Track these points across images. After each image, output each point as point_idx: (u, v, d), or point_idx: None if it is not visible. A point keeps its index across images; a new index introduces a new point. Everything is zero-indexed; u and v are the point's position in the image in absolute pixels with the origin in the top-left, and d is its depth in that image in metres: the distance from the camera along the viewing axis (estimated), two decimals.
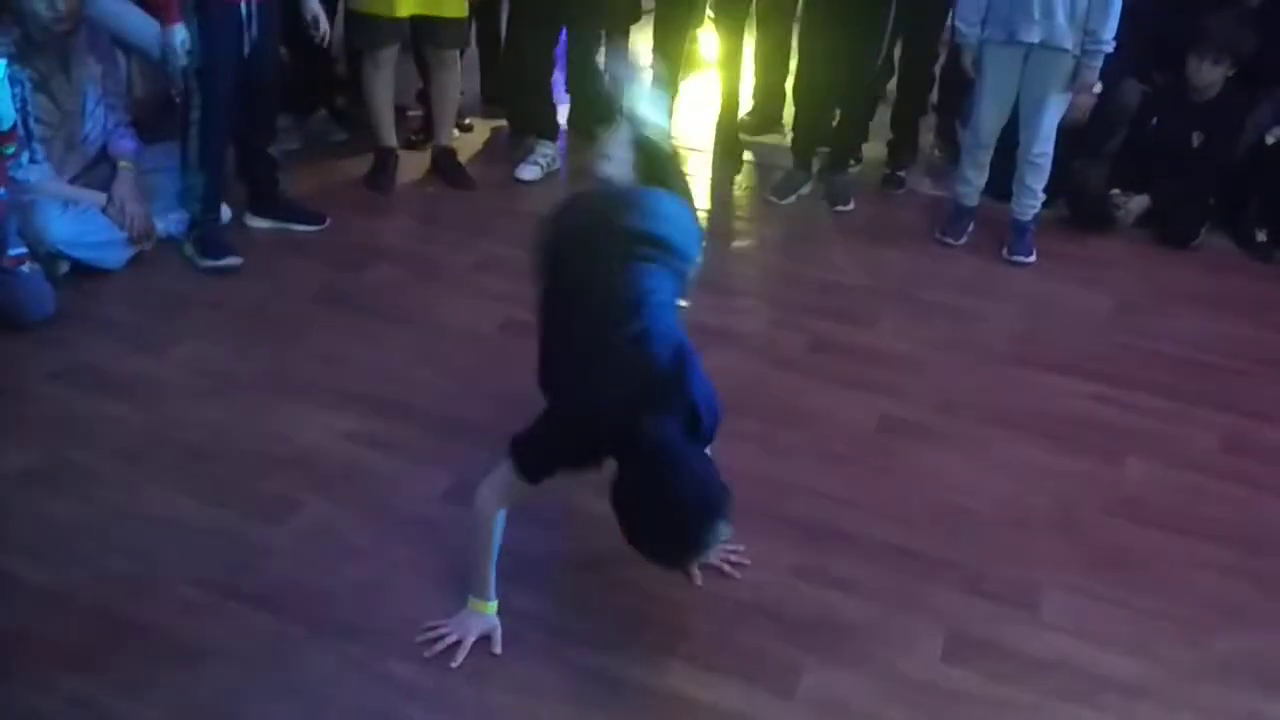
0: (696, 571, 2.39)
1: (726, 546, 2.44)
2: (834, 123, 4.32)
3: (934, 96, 4.67)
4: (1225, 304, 3.72)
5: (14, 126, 3.13)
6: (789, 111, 4.65)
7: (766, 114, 4.87)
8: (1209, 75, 3.96)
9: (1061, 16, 3.56)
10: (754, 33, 4.65)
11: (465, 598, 2.24)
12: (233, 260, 3.49)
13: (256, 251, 3.60)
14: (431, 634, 2.21)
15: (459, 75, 4.20)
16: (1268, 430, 3.05)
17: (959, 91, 4.30)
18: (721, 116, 4.55)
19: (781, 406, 2.99)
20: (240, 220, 3.74)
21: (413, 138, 4.46)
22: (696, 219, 2.54)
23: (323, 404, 2.90)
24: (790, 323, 3.40)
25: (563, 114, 4.63)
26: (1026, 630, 2.33)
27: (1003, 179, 3.97)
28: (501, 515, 2.17)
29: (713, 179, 4.48)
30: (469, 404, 2.86)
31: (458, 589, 2.30)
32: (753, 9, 4.50)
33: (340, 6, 4.22)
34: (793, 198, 4.29)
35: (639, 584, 2.37)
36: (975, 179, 4.00)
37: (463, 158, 4.33)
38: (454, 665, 2.15)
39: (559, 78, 4.58)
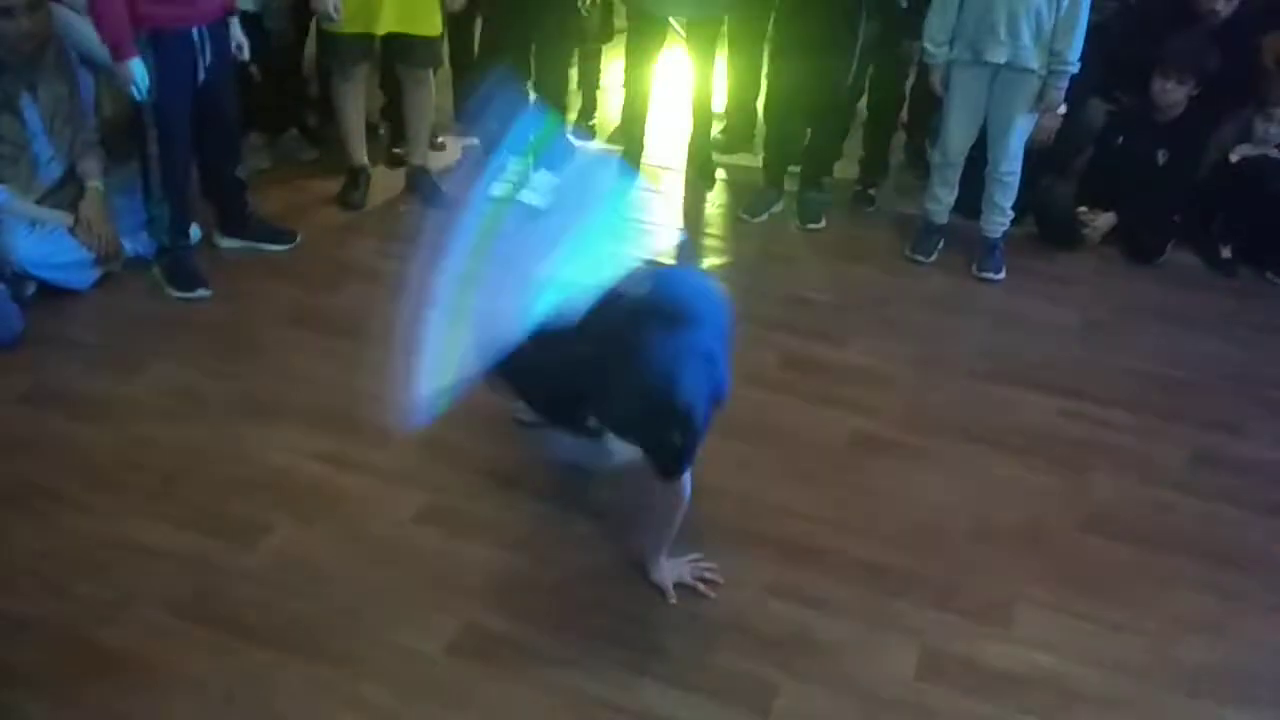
0: (672, 590, 2.40)
1: (701, 564, 2.44)
2: (805, 141, 4.35)
3: (903, 115, 4.71)
4: (1191, 319, 3.76)
5: None
6: (761, 130, 4.68)
7: (738, 133, 4.90)
8: (1173, 94, 4.02)
9: (1027, 37, 3.61)
10: (725, 52, 4.68)
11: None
12: (202, 293, 3.46)
13: (227, 271, 3.58)
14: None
15: (433, 93, 4.19)
16: (1234, 444, 3.09)
17: (928, 110, 4.34)
18: (694, 135, 4.58)
19: (753, 424, 3.00)
20: (210, 240, 3.72)
21: (395, 151, 4.43)
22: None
23: (293, 425, 2.88)
24: (762, 340, 3.41)
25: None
26: (999, 646, 2.34)
27: (972, 197, 4.01)
28: None
29: (685, 197, 4.50)
30: (441, 425, 2.83)
31: (432, 611, 2.30)
32: (724, 28, 4.53)
33: (313, 26, 4.22)
34: (764, 216, 4.31)
35: (612, 604, 2.37)
36: (944, 197, 4.03)
37: (435, 175, 4.33)
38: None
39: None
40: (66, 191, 3.45)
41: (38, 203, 3.39)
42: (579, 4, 4.24)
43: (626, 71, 4.54)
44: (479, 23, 4.50)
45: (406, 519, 2.59)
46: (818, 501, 2.71)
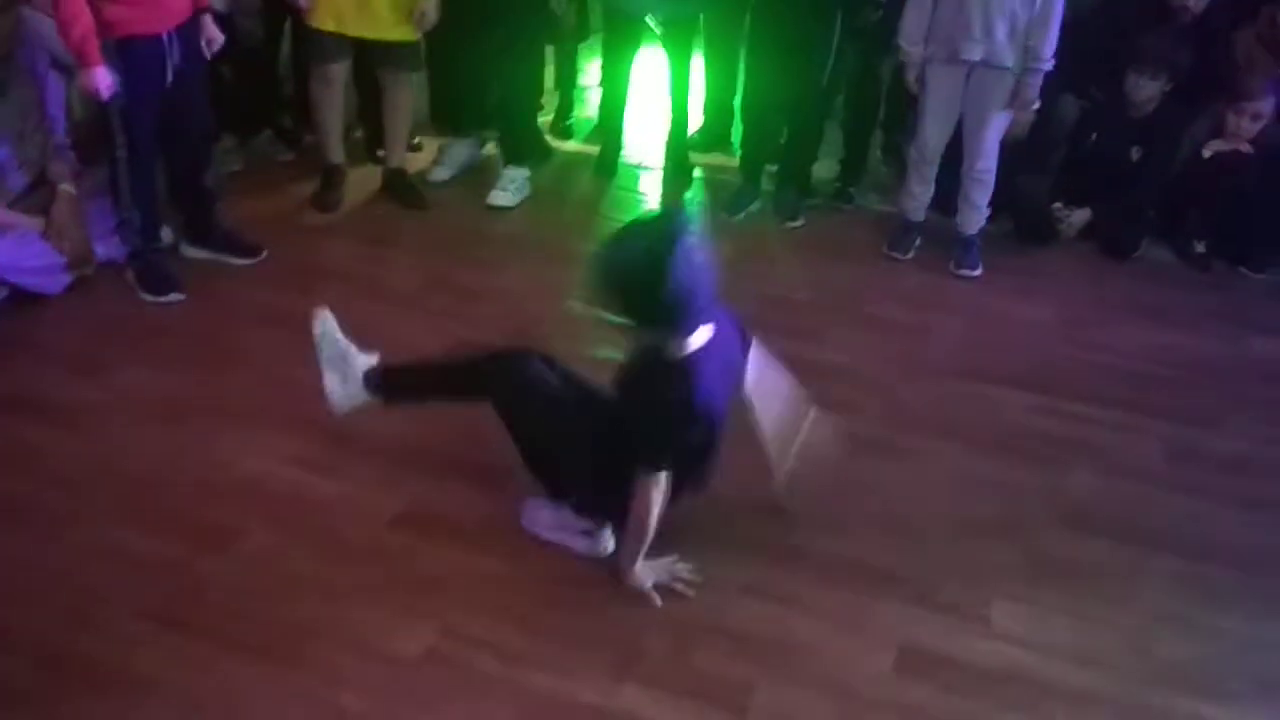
0: (654, 593, 2.39)
1: (678, 565, 2.44)
2: (782, 140, 4.35)
3: (880, 113, 4.71)
4: (1166, 314, 3.78)
5: None
6: (738, 129, 4.68)
7: (716, 132, 4.90)
8: (1146, 91, 4.04)
9: (1002, 35, 3.62)
10: (702, 51, 4.68)
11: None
12: (175, 296, 3.43)
13: (200, 274, 3.56)
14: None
15: (411, 96, 4.17)
16: (1209, 439, 3.10)
17: (904, 108, 4.35)
18: (671, 134, 4.57)
19: (730, 423, 2.99)
20: (177, 248, 3.69)
21: (379, 154, 4.39)
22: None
23: (267, 430, 2.86)
24: None
25: None
26: (978, 642, 2.35)
27: (948, 194, 4.02)
28: None
29: (663, 196, 4.49)
30: (416, 428, 2.83)
31: (408, 617, 2.28)
32: (701, 27, 4.53)
33: (287, 26, 4.19)
34: (742, 214, 4.31)
35: (590, 606, 2.37)
36: (921, 194, 4.05)
37: (412, 177, 4.32)
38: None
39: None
40: (37, 196, 3.42)
41: (8, 207, 3.36)
42: (552, 1, 4.22)
43: (603, 71, 4.54)
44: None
45: (382, 524, 2.57)
46: (794, 500, 2.70)
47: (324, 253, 3.86)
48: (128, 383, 3.04)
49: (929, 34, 3.73)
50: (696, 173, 4.63)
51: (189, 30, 3.31)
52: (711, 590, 2.43)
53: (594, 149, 4.72)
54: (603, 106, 4.66)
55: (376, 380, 2.66)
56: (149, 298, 3.42)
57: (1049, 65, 3.65)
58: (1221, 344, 3.62)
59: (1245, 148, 4.08)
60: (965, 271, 3.95)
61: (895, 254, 4.05)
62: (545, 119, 4.89)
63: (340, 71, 4.03)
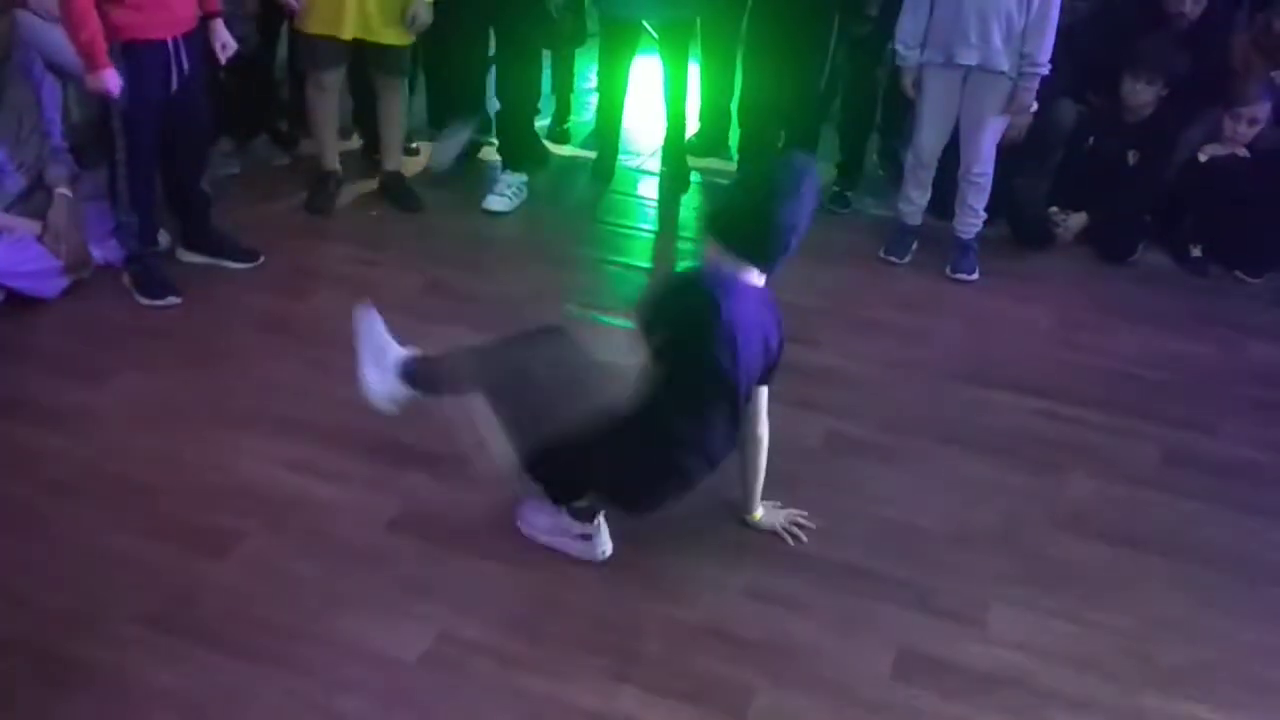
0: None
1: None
2: (779, 144, 4.35)
3: (877, 118, 4.72)
4: (1162, 318, 3.79)
5: None
6: (735, 133, 4.68)
7: (713, 136, 4.90)
8: (1143, 95, 4.05)
9: (998, 40, 3.63)
10: (699, 55, 4.69)
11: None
12: (172, 299, 3.43)
13: (197, 278, 3.55)
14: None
15: (406, 99, 4.17)
16: (1206, 442, 3.11)
17: (901, 112, 4.36)
18: (668, 138, 4.57)
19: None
20: (174, 252, 3.68)
21: (376, 158, 4.34)
22: None
23: (264, 433, 2.85)
24: None
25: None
26: (976, 646, 2.35)
27: (945, 198, 4.03)
28: None
29: (660, 200, 4.49)
30: (414, 431, 2.83)
31: (406, 620, 2.28)
32: (697, 31, 4.53)
33: (284, 29, 4.19)
34: None
35: (588, 610, 2.37)
36: (918, 198, 4.05)
37: (408, 180, 4.32)
38: None
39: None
40: (34, 199, 3.42)
41: (5, 211, 3.36)
42: (549, 5, 4.23)
43: (600, 75, 4.54)
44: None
45: (380, 526, 2.57)
46: (793, 503, 2.70)
47: (321, 257, 3.86)
48: (125, 386, 3.03)
49: (925, 38, 3.74)
50: (694, 177, 4.63)
51: (196, 38, 3.31)
52: (710, 593, 2.43)
53: (591, 153, 4.72)
54: (600, 111, 4.67)
55: (412, 370, 2.61)
56: (145, 301, 3.42)
57: (1045, 70, 3.66)
58: (1218, 348, 3.63)
59: (1242, 152, 4.08)
60: (962, 276, 3.96)
61: (892, 258, 4.05)
62: (542, 123, 4.89)
63: (335, 77, 4.03)
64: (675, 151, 4.59)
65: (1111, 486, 2.89)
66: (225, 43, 3.42)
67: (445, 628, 2.29)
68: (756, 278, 2.43)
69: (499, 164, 4.41)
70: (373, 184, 4.28)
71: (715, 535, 2.59)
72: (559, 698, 2.15)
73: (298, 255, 3.81)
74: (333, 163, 4.18)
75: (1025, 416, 3.16)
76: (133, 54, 3.13)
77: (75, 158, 3.55)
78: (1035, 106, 3.82)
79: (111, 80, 3.08)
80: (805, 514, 2.65)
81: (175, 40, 3.22)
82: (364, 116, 4.41)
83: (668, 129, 4.55)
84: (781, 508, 2.65)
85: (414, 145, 4.62)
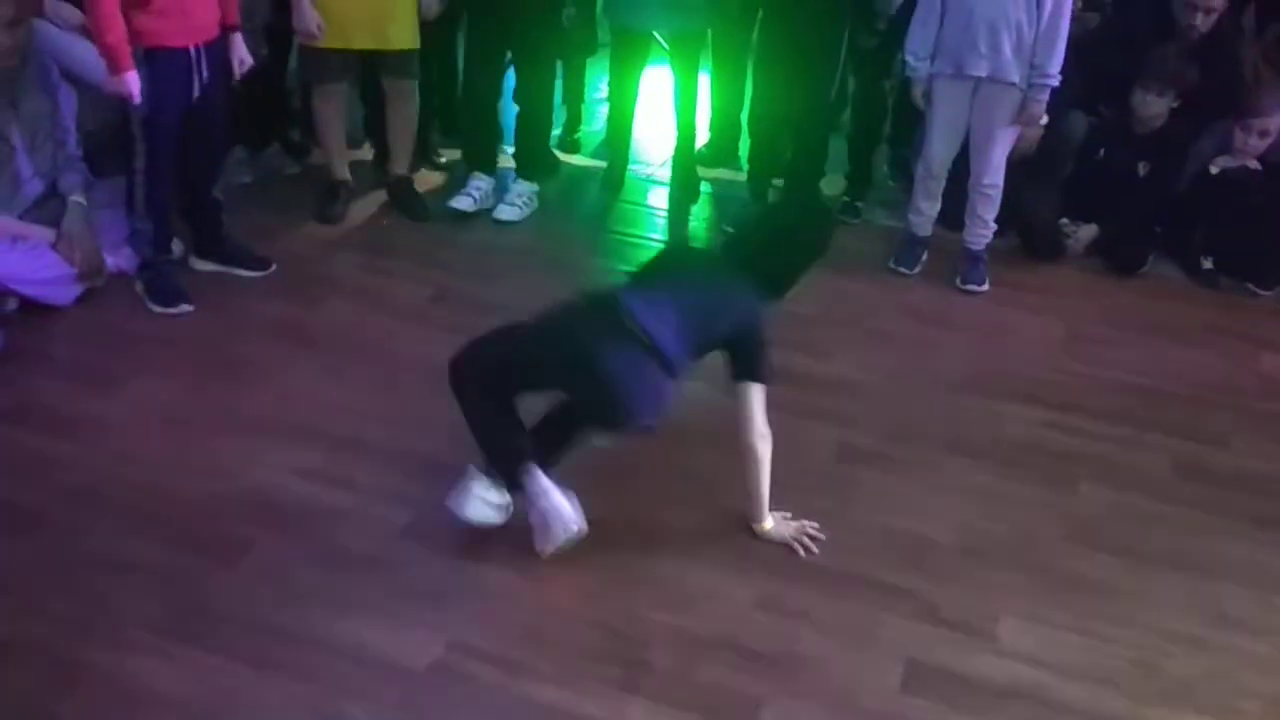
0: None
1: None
2: (789, 155, 4.35)
3: (887, 128, 4.72)
4: (1173, 330, 3.77)
5: None
6: (745, 143, 4.69)
7: (723, 147, 4.91)
8: (1153, 107, 4.04)
9: (1008, 51, 3.63)
10: (710, 66, 4.70)
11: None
12: (185, 308, 3.45)
13: (208, 286, 3.57)
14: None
15: (416, 105, 4.19)
16: (1216, 454, 3.10)
17: (911, 123, 4.36)
18: (678, 148, 4.58)
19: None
20: (186, 261, 3.70)
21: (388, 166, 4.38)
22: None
23: (275, 441, 2.86)
24: None
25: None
26: (985, 658, 2.34)
27: (955, 209, 4.03)
28: None
29: (670, 211, 4.50)
30: (424, 438, 2.83)
31: (414, 629, 2.28)
32: (708, 42, 4.54)
33: (294, 40, 4.21)
34: None
35: (597, 620, 2.37)
36: (928, 209, 4.05)
37: (420, 190, 4.33)
38: None
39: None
40: (49, 207, 3.44)
41: (20, 218, 3.38)
42: (563, 17, 4.24)
43: (611, 85, 4.55)
44: (460, 37, 4.50)
45: (389, 535, 2.57)
46: (803, 514, 2.70)
47: (332, 265, 3.87)
48: (137, 394, 3.05)
49: (935, 50, 3.74)
50: (704, 187, 4.64)
51: (216, 48, 3.34)
52: (718, 604, 2.43)
53: (601, 163, 4.73)
54: (610, 121, 4.67)
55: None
56: (158, 309, 3.44)
57: (1055, 81, 3.65)
58: (1229, 361, 3.61)
59: (1253, 164, 4.07)
60: (972, 287, 3.95)
61: (902, 269, 4.05)
62: (553, 133, 4.90)
63: (343, 88, 4.05)
64: (685, 162, 4.59)
65: (1122, 498, 2.88)
66: (243, 58, 3.45)
67: (454, 637, 2.29)
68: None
69: (510, 172, 4.42)
70: (383, 193, 4.30)
71: (724, 546, 2.59)
72: (567, 708, 2.15)
73: (309, 264, 3.83)
74: (342, 172, 4.20)
75: (1036, 428, 3.16)
76: (154, 61, 3.16)
77: (89, 166, 3.57)
78: (1045, 118, 3.82)
79: (133, 84, 3.10)
80: (816, 525, 2.65)
81: (196, 48, 3.25)
82: (375, 125, 4.42)
83: (678, 139, 4.56)
84: (792, 519, 2.65)
85: (443, 159, 4.63)
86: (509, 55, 4.29)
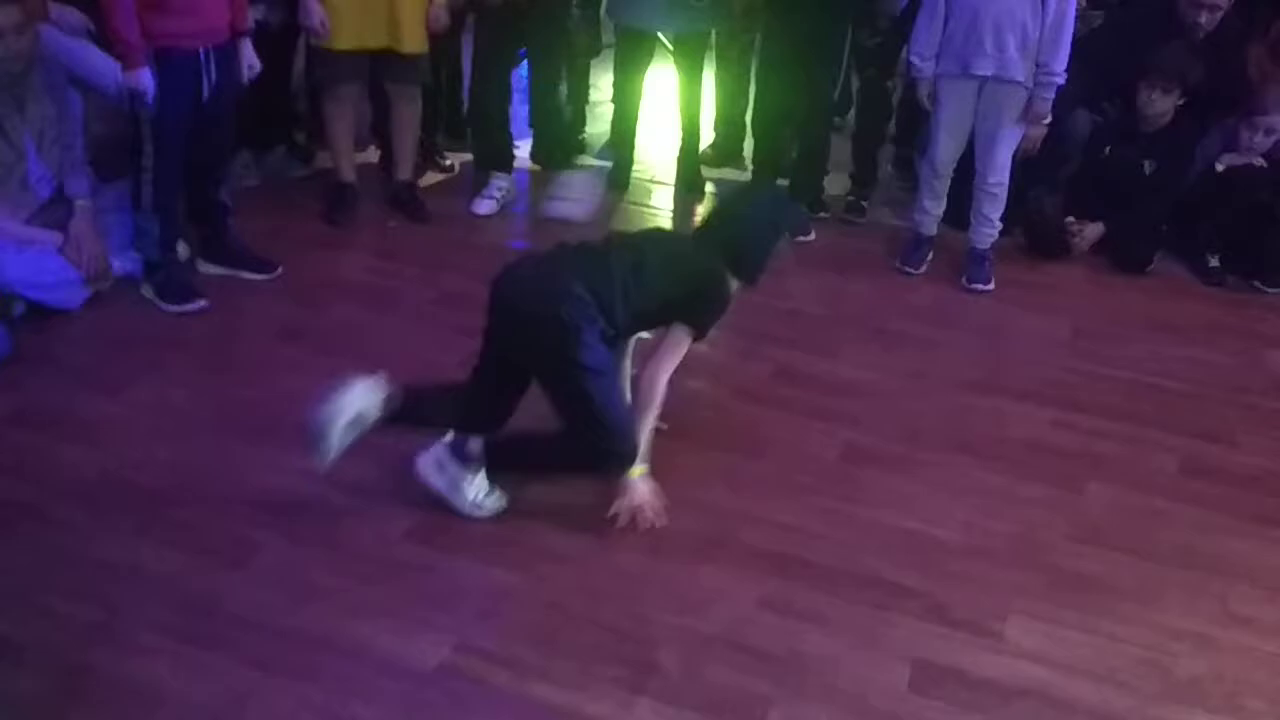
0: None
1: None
2: (793, 155, 4.36)
3: (892, 127, 4.72)
4: (1179, 328, 3.77)
5: None
6: (749, 144, 4.69)
7: (727, 147, 4.91)
8: (1159, 105, 4.04)
9: (1013, 49, 3.63)
10: (713, 66, 4.70)
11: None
12: (199, 303, 3.46)
13: (215, 289, 3.58)
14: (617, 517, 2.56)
15: (420, 109, 4.20)
16: (1223, 453, 3.09)
17: (916, 123, 4.36)
18: (683, 149, 4.59)
19: (745, 437, 3.00)
20: (192, 263, 3.71)
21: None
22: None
23: (282, 443, 2.86)
24: (753, 353, 3.42)
25: (525, 148, 4.68)
26: (993, 658, 2.34)
27: (960, 208, 4.03)
28: None
29: (675, 210, 4.51)
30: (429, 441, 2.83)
31: (422, 630, 2.29)
32: (711, 43, 4.55)
33: (302, 42, 4.23)
34: None
35: (604, 621, 2.37)
36: (933, 209, 4.05)
37: (428, 191, 4.34)
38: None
39: (520, 112, 4.60)
40: (55, 211, 3.45)
41: (26, 222, 3.39)
42: (569, 19, 4.26)
43: (615, 86, 4.56)
44: (464, 41, 4.52)
45: (396, 537, 2.58)
46: (810, 515, 2.71)
47: (338, 268, 3.88)
48: (144, 396, 3.06)
49: (940, 49, 3.74)
50: (708, 187, 4.64)
51: (227, 50, 3.36)
52: (725, 605, 2.43)
53: (606, 163, 4.73)
54: (615, 121, 4.68)
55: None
56: (171, 308, 3.44)
57: (1060, 79, 3.65)
58: (1236, 359, 3.61)
59: (1258, 162, 4.07)
60: (977, 286, 3.95)
61: (907, 268, 4.05)
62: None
63: (353, 91, 4.06)
64: (690, 162, 4.60)
65: (1129, 497, 2.88)
66: (251, 63, 3.47)
67: (462, 638, 2.30)
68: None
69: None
70: (390, 195, 4.31)
71: (731, 547, 2.59)
72: (574, 709, 2.15)
73: (315, 266, 3.83)
74: (349, 174, 4.21)
75: (1042, 427, 3.15)
76: (165, 62, 3.19)
77: (95, 170, 3.58)
78: (1051, 117, 3.82)
79: (146, 80, 3.14)
80: (664, 508, 2.61)
81: (206, 50, 3.28)
82: (382, 127, 4.43)
83: (682, 139, 4.57)
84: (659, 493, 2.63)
85: (448, 161, 4.65)
86: (519, 54, 4.32)
